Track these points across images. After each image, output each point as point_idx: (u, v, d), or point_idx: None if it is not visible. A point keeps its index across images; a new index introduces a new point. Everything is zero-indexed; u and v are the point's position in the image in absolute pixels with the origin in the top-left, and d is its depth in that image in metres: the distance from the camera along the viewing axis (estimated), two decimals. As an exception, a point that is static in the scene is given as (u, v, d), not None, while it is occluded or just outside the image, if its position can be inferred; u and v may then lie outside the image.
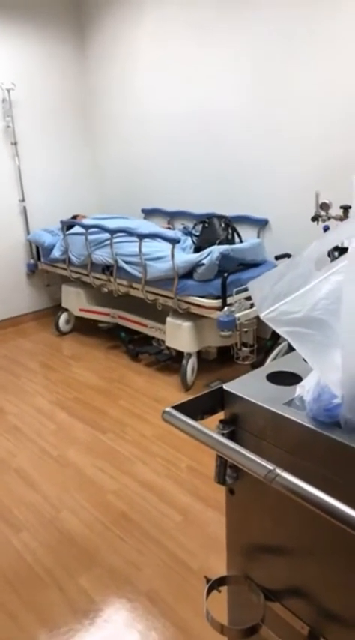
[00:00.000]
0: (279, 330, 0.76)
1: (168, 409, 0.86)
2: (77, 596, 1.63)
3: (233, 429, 0.89)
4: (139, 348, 3.38)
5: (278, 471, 0.69)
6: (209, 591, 0.97)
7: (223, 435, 0.88)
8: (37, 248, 4.02)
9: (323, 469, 0.75)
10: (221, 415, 0.93)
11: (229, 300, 2.74)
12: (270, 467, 0.70)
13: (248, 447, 0.77)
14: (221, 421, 0.91)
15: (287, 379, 0.90)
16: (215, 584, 0.98)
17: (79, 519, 1.97)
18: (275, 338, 3.02)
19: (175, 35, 3.44)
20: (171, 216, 3.85)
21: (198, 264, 2.79)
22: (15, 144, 3.95)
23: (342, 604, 0.82)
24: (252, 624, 0.90)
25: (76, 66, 4.22)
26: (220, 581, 0.99)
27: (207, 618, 0.92)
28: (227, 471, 0.92)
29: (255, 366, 2.95)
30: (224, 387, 0.90)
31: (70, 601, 1.62)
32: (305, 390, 0.81)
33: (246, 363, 2.98)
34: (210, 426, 0.85)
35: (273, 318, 0.76)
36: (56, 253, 3.70)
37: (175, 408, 0.87)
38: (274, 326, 0.76)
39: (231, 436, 0.89)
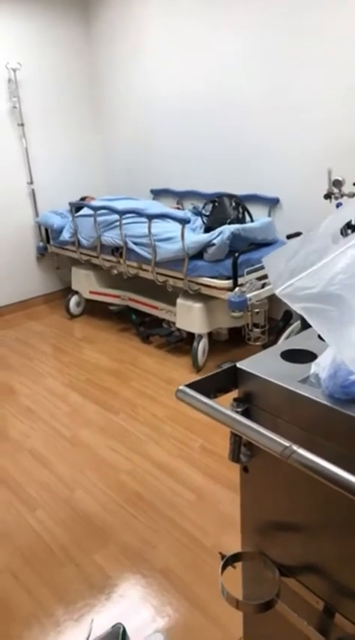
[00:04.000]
0: (295, 306, 0.75)
1: (182, 387, 0.85)
2: (93, 573, 1.66)
3: (247, 406, 0.89)
4: (150, 330, 3.38)
5: (295, 447, 0.68)
6: (224, 567, 0.97)
7: (237, 412, 0.87)
8: (46, 230, 4.01)
9: (339, 446, 0.75)
10: (234, 394, 0.92)
11: (240, 280, 2.72)
12: (287, 443, 0.69)
13: (263, 424, 0.76)
14: (235, 399, 0.90)
15: (302, 357, 0.89)
16: (230, 561, 0.98)
17: (93, 498, 1.99)
18: (287, 318, 3.00)
19: (183, 13, 3.35)
20: (181, 197, 3.81)
21: (209, 244, 2.76)
22: (22, 125, 3.91)
23: (358, 580, 0.82)
24: (268, 599, 0.91)
25: (83, 46, 4.14)
26: (235, 558, 1.00)
27: (223, 594, 0.93)
28: (241, 449, 0.92)
29: (267, 346, 2.93)
30: (238, 365, 0.89)
31: (86, 577, 1.65)
32: (320, 367, 0.80)
33: (258, 343, 2.97)
34: (223, 404, 0.84)
35: (289, 294, 0.74)
36: (65, 235, 3.69)
37: (189, 386, 0.86)
38: (290, 302, 0.75)
39: (245, 414, 0.89)
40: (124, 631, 1.36)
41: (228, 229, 2.73)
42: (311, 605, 0.90)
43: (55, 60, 4.01)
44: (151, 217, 2.98)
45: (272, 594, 0.92)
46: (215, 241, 2.73)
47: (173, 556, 1.70)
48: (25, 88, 3.89)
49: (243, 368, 0.88)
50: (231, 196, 3.09)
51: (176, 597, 1.55)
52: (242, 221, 3.03)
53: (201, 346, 2.96)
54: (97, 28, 4.07)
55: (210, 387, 0.90)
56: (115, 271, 3.45)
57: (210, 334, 3.07)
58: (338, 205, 2.40)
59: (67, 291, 4.01)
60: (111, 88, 4.15)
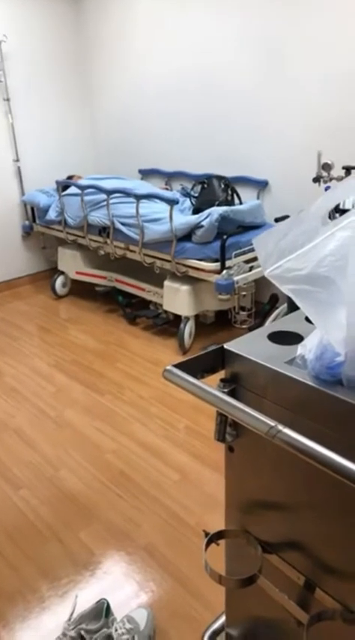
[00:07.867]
0: (283, 288, 0.75)
1: (169, 367, 0.85)
2: (77, 550, 1.68)
3: (233, 387, 0.89)
4: (137, 311, 3.37)
5: (280, 427, 0.69)
6: (207, 544, 0.99)
7: (224, 393, 0.88)
8: (32, 209, 3.94)
9: (324, 426, 0.76)
10: (220, 375, 0.93)
11: (228, 263, 2.71)
12: (272, 423, 0.70)
13: (249, 404, 0.77)
14: (222, 380, 0.91)
15: (289, 339, 0.90)
16: (214, 538, 1.00)
17: (78, 478, 2.00)
18: (273, 301, 3.02)
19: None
20: (169, 177, 3.77)
21: (197, 226, 2.74)
22: (7, 100, 3.81)
23: (337, 556, 0.84)
24: (250, 575, 0.93)
25: (71, 19, 4.03)
26: (219, 535, 1.01)
27: (206, 569, 0.95)
28: (227, 429, 0.93)
29: (253, 329, 2.95)
30: (225, 346, 0.89)
31: (71, 554, 1.66)
32: (307, 349, 0.81)
33: (244, 326, 2.99)
34: (210, 385, 0.85)
35: (278, 276, 0.74)
36: (52, 215, 3.64)
37: (176, 366, 0.86)
38: (278, 283, 0.75)
39: (232, 394, 0.89)
40: (108, 606, 1.38)
41: (216, 211, 2.72)
42: (293, 580, 0.93)
43: (42, 34, 3.90)
44: (139, 197, 2.95)
45: (255, 570, 0.94)
46: (203, 223, 2.71)
47: (157, 534, 1.73)
48: (11, 61, 3.78)
49: (230, 349, 0.88)
50: (220, 178, 3.07)
51: (159, 573, 1.58)
52: (231, 203, 3.01)
53: (188, 329, 2.96)
54: (87, 2, 3.96)
55: (197, 367, 0.90)
56: (102, 252, 3.42)
57: (196, 317, 3.08)
58: (327, 189, 2.39)
59: (53, 271, 3.97)
60: (100, 65, 4.06)
